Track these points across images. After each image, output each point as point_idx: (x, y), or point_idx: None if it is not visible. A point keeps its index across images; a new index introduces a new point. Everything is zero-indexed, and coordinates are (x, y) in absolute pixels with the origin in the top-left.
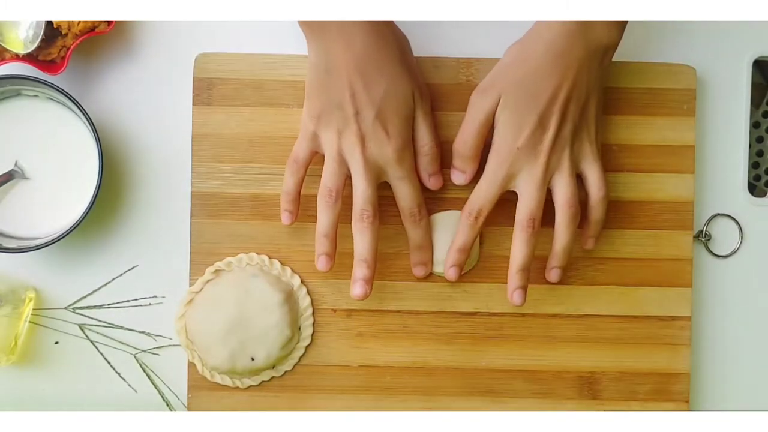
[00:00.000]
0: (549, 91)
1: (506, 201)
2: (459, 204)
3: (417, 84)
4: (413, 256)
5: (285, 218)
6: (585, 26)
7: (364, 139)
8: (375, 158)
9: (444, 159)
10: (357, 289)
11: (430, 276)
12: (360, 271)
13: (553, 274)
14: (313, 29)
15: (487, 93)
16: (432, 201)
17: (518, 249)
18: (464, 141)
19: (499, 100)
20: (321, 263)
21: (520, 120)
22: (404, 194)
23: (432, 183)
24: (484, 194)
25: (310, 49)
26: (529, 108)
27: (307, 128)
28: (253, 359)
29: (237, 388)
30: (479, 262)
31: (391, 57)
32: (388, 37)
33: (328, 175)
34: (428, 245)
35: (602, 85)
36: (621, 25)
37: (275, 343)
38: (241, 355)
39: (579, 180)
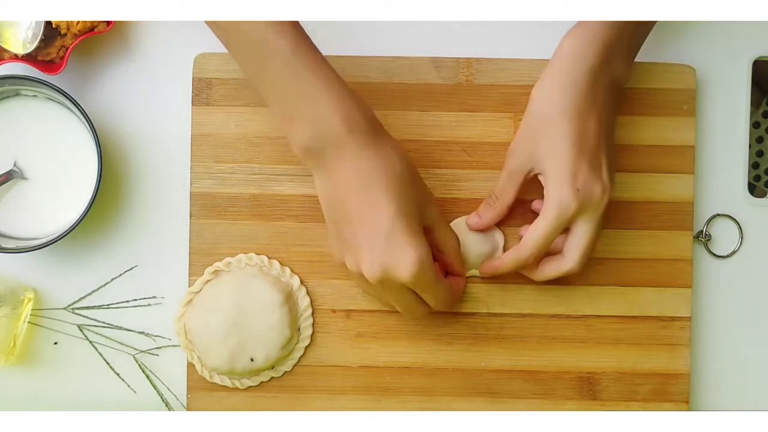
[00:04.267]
0: (590, 131)
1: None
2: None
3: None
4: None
5: None
6: (607, 61)
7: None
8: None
9: (441, 154)
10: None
11: None
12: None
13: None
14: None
15: (522, 146)
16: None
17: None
18: (503, 189)
19: (535, 152)
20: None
21: (569, 164)
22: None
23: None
24: (538, 245)
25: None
26: (574, 149)
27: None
28: (252, 360)
29: (236, 388)
30: None
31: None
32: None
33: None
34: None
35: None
36: (633, 60)
37: (275, 343)
38: (241, 355)
39: None
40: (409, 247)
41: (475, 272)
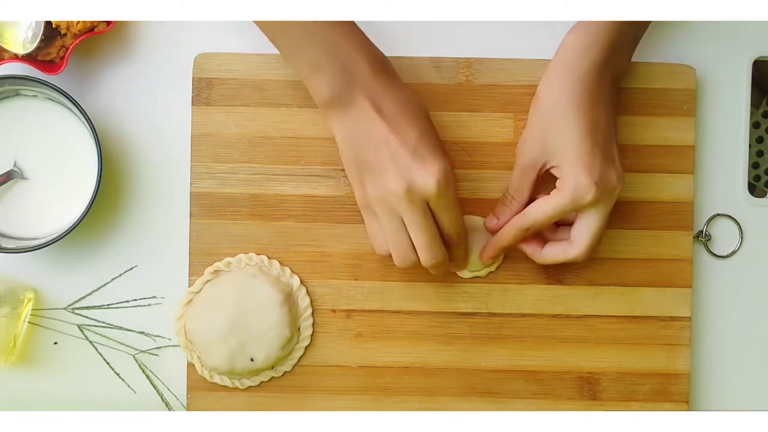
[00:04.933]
0: (600, 123)
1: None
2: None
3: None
4: (452, 263)
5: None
6: (611, 57)
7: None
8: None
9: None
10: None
11: (430, 276)
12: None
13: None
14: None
15: (533, 141)
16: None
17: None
18: (517, 188)
19: (548, 145)
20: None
21: (586, 155)
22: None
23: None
24: (543, 217)
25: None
26: (589, 140)
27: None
28: (252, 360)
29: (236, 388)
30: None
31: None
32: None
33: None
34: (465, 257)
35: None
36: (632, 55)
37: (275, 343)
38: (241, 355)
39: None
40: (435, 159)
41: (477, 272)
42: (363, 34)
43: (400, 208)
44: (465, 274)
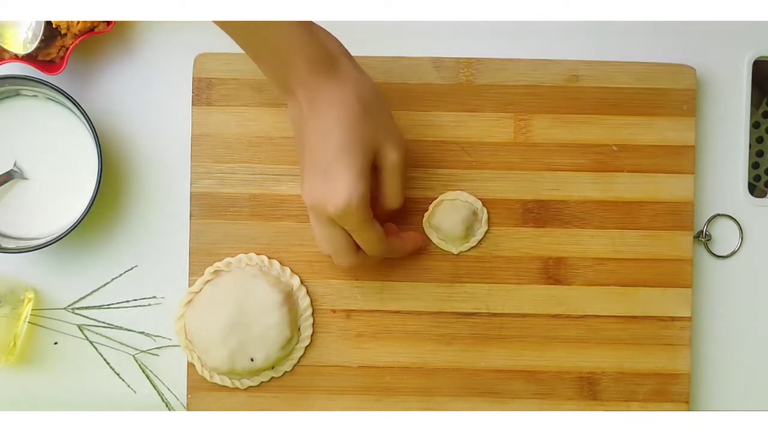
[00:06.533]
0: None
1: (506, 200)
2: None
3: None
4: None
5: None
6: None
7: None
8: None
9: (441, 154)
10: None
11: (430, 276)
12: None
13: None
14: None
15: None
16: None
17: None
18: None
19: None
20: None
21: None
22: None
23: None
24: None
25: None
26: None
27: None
28: (252, 360)
29: (236, 388)
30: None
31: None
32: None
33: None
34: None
35: None
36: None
37: (275, 343)
38: (241, 355)
39: None
40: (343, 182)
41: (452, 248)
42: (314, 33)
43: (310, 216)
44: (446, 245)
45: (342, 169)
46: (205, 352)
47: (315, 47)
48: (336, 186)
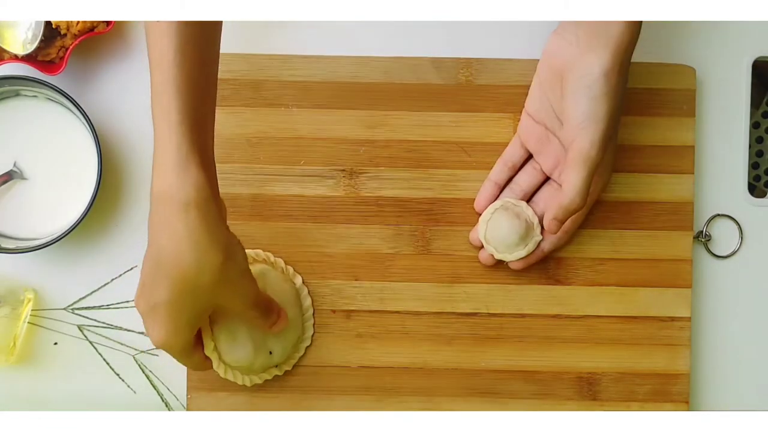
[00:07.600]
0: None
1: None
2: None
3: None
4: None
5: None
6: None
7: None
8: None
9: (441, 154)
10: None
11: (429, 276)
12: None
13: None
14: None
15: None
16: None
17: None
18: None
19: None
20: None
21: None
22: None
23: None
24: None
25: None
26: (614, 117)
27: None
28: (271, 353)
29: (236, 389)
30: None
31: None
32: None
33: None
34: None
35: None
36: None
37: (290, 338)
38: (263, 348)
39: None
40: (163, 329)
41: (505, 256)
42: (180, 160)
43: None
44: (500, 255)
45: (163, 321)
46: (231, 344)
47: (176, 182)
48: (157, 330)
